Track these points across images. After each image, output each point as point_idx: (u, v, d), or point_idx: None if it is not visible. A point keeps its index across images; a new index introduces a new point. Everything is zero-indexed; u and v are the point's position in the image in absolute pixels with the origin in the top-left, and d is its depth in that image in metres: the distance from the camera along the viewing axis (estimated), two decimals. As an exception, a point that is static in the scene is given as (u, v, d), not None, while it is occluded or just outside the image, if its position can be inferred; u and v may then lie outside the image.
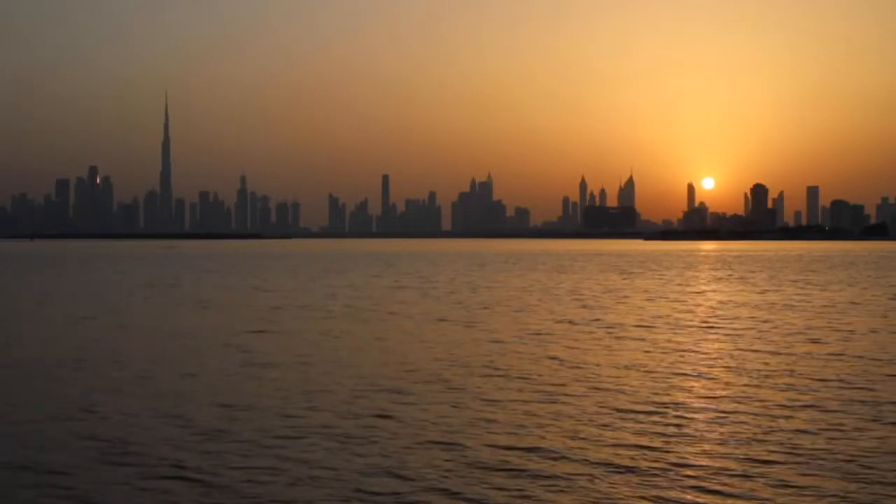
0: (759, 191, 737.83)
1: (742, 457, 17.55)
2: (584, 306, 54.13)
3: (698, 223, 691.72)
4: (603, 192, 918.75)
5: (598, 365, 29.44)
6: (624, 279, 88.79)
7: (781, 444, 18.55)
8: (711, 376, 27.06)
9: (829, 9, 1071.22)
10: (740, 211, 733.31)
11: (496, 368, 28.78)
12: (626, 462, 17.19)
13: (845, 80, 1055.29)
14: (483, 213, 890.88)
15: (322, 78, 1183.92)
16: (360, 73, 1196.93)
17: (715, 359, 30.84)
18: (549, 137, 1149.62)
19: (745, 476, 16.28)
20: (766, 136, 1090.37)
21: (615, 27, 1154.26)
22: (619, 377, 26.90)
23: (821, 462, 17.16)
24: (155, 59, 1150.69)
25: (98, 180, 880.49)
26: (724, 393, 24.29)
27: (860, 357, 31.02)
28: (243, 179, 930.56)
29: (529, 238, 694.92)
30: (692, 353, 32.21)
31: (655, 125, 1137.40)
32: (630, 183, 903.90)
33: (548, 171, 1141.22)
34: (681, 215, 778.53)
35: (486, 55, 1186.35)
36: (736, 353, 32.41)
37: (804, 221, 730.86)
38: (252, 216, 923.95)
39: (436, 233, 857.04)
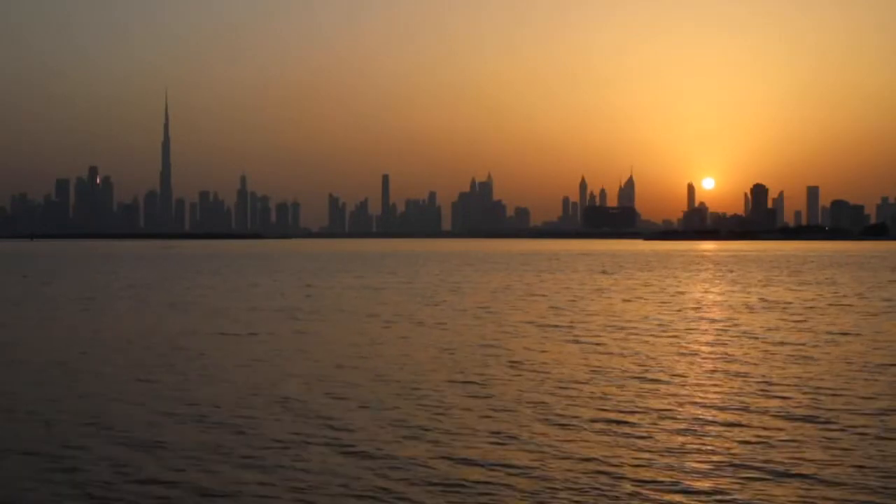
0: (759, 191, 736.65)
1: (692, 463, 17.27)
2: (554, 308, 53.80)
3: (698, 223, 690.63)
4: (603, 192, 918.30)
5: (548, 369, 29.14)
6: (607, 280, 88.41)
7: (730, 448, 18.26)
8: (661, 380, 26.74)
9: (828, 8, 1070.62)
10: (740, 211, 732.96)
11: (446, 372, 28.48)
12: (577, 474, 16.72)
13: (845, 79, 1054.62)
14: (483, 213, 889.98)
15: (322, 78, 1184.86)
16: (361, 73, 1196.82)
17: (666, 361, 30.53)
18: (549, 137, 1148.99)
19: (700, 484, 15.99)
20: (766, 136, 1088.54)
21: (615, 28, 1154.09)
22: (566, 382, 26.58)
23: (779, 469, 16.91)
24: (155, 58, 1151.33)
25: (98, 180, 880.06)
26: (671, 398, 23.99)
27: (818, 359, 30.73)
28: (243, 179, 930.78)
29: (529, 238, 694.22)
30: (644, 357, 31.89)
31: (655, 125, 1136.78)
32: (630, 183, 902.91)
33: (548, 171, 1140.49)
34: (681, 215, 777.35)
35: (487, 55, 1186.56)
36: (686, 355, 32.11)
37: (804, 221, 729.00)
38: (252, 216, 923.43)
39: (436, 233, 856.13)
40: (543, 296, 64.93)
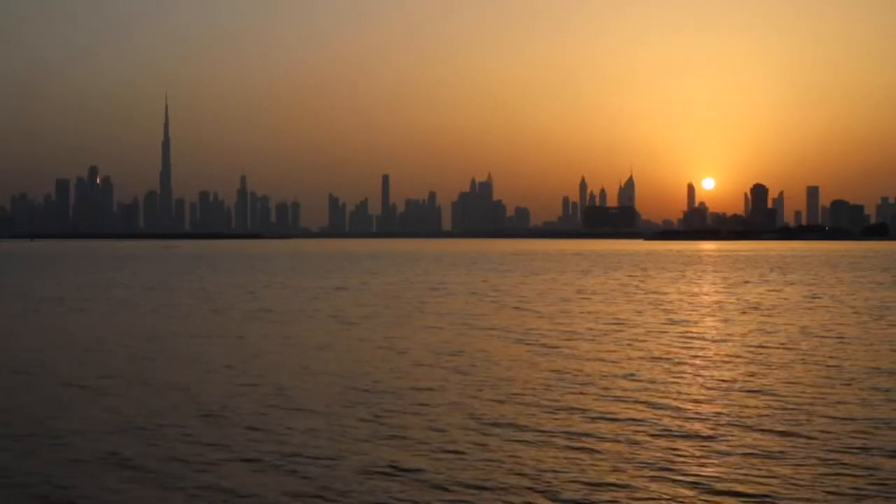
0: (759, 191, 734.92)
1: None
2: (520, 309, 52.90)
3: (698, 223, 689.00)
4: (603, 192, 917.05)
5: (497, 374, 28.25)
6: (587, 280, 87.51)
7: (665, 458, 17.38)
8: (604, 385, 25.83)
9: (828, 8, 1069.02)
10: (740, 211, 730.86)
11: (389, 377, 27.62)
12: (521, 487, 15.82)
13: (845, 79, 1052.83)
14: (483, 213, 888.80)
15: (322, 78, 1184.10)
16: (361, 73, 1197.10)
17: (613, 366, 29.61)
18: (549, 137, 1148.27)
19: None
20: (766, 136, 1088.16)
21: (616, 28, 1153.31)
22: (508, 387, 25.71)
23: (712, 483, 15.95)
24: (155, 59, 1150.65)
25: (98, 180, 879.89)
26: (615, 403, 23.08)
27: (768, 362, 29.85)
28: (243, 179, 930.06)
29: (529, 238, 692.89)
30: (597, 361, 30.98)
31: (655, 125, 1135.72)
32: (630, 183, 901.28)
33: (548, 171, 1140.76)
34: (681, 215, 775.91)
35: (487, 55, 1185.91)
36: (640, 358, 31.21)
37: (804, 221, 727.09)
38: (252, 216, 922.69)
39: (436, 233, 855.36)
40: (507, 297, 64.07)
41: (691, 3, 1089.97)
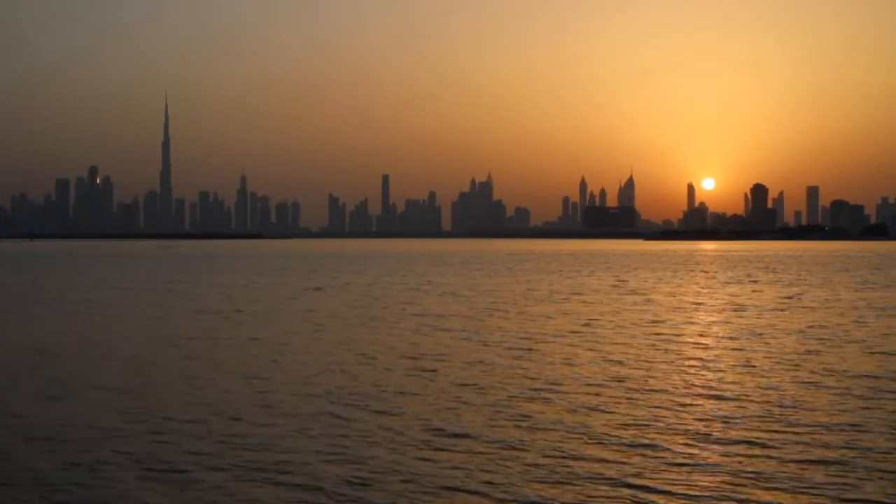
0: (759, 191, 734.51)
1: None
2: (497, 310, 52.50)
3: (698, 223, 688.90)
4: (603, 192, 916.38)
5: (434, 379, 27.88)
6: (563, 280, 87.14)
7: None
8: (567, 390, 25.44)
9: (828, 8, 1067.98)
10: (740, 211, 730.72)
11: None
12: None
13: (845, 79, 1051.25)
14: (483, 213, 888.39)
15: (322, 78, 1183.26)
16: (361, 73, 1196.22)
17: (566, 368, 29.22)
18: (549, 137, 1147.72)
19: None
20: (766, 137, 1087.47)
21: (616, 28, 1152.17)
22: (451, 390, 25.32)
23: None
24: (155, 59, 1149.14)
25: (98, 180, 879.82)
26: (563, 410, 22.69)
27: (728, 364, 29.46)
28: (243, 179, 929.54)
29: (529, 238, 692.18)
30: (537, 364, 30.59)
31: (655, 125, 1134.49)
32: (630, 183, 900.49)
33: (548, 171, 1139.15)
34: (681, 215, 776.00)
35: (487, 56, 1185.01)
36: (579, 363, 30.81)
37: (804, 221, 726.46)
38: (252, 216, 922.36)
39: (436, 233, 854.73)
40: (484, 298, 63.75)
41: (691, 3, 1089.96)
